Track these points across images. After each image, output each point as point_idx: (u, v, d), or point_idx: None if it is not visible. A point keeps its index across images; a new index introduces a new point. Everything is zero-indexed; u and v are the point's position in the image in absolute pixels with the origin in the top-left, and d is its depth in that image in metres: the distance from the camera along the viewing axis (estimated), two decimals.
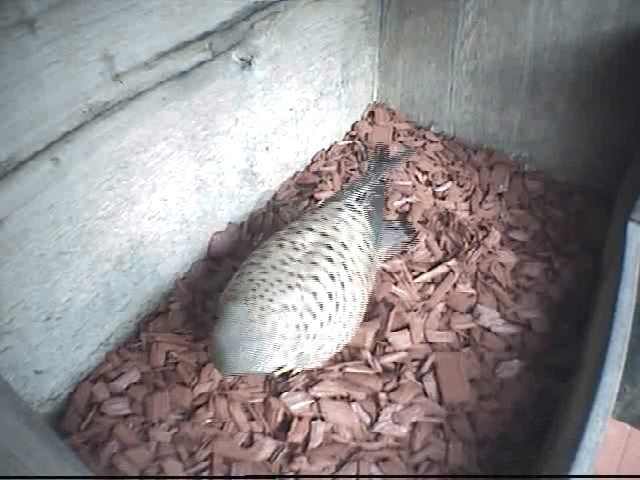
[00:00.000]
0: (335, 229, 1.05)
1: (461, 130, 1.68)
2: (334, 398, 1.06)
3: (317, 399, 1.05)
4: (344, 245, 1.03)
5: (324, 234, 1.03)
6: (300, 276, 0.95)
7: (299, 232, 1.03)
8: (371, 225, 1.11)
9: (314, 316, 0.94)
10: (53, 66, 0.87)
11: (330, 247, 1.01)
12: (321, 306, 0.95)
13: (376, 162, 1.23)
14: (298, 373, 1.10)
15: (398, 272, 1.29)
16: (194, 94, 1.15)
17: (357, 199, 1.13)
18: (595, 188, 1.48)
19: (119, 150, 1.03)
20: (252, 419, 1.04)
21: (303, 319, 0.92)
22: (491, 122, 1.62)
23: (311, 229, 1.04)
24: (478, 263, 1.31)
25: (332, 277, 0.97)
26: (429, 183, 1.56)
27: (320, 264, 0.98)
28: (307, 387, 1.07)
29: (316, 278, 0.96)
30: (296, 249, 0.99)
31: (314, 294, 0.94)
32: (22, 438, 0.64)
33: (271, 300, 0.90)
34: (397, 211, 1.47)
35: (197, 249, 1.32)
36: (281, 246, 1.00)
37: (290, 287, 0.93)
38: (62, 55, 0.88)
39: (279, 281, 0.93)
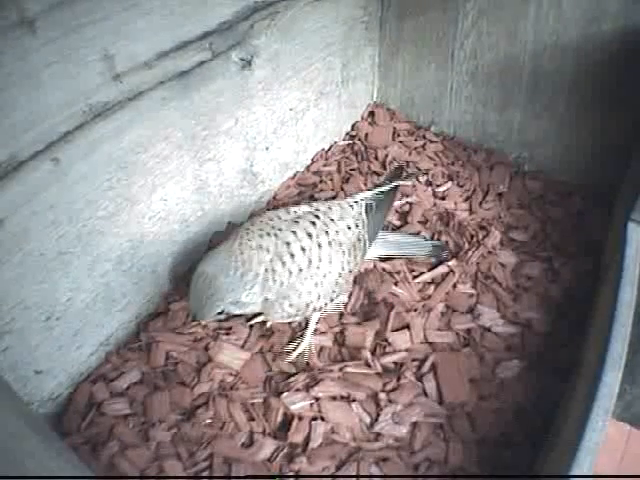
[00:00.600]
0: (329, 208, 1.15)
1: (461, 130, 1.68)
2: (334, 398, 1.06)
3: (317, 399, 1.05)
4: (332, 219, 1.12)
5: (317, 209, 1.14)
6: (280, 229, 1.07)
7: (298, 205, 1.14)
8: (367, 215, 1.18)
9: (283, 264, 1.04)
10: (53, 66, 0.87)
11: (317, 217, 1.11)
12: (292, 256, 1.04)
13: (388, 178, 1.28)
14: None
15: (398, 272, 1.29)
16: (194, 94, 1.15)
17: (360, 197, 1.21)
18: (595, 188, 1.48)
19: (119, 150, 1.03)
20: (252, 419, 1.04)
21: (272, 263, 1.03)
22: (491, 122, 1.62)
23: (309, 204, 1.16)
24: (478, 263, 1.31)
25: (310, 235, 1.07)
26: (429, 183, 1.56)
27: (302, 224, 1.08)
28: (307, 387, 1.07)
29: (294, 232, 1.06)
30: (287, 213, 1.11)
31: (287, 244, 1.05)
32: (22, 438, 0.64)
33: (249, 240, 1.04)
34: (397, 211, 1.47)
35: (197, 249, 1.32)
36: (277, 209, 1.13)
37: (268, 234, 1.05)
38: (62, 55, 0.88)
39: (260, 230, 1.06)
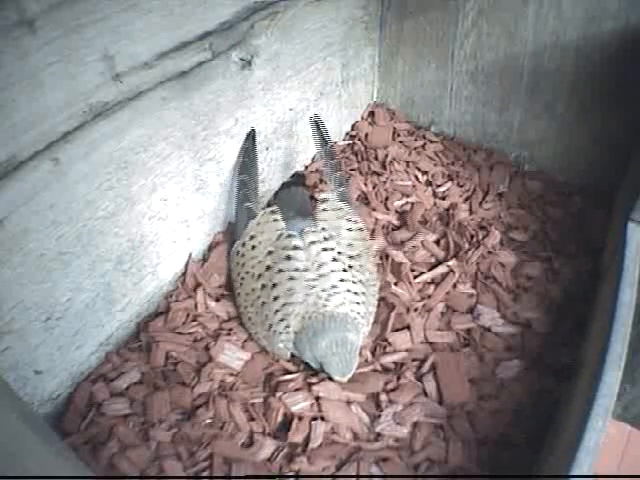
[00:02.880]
0: (323, 229, 1.15)
1: (461, 130, 1.68)
2: (334, 398, 1.06)
3: (317, 399, 1.05)
4: (330, 236, 1.14)
5: (313, 242, 1.12)
6: (332, 286, 1.07)
7: (289, 257, 1.10)
8: (349, 203, 1.23)
9: (356, 294, 1.08)
10: (53, 66, 0.87)
11: (325, 249, 1.11)
12: (354, 283, 1.09)
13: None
14: None
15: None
16: (194, 94, 1.15)
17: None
18: (595, 188, 1.48)
19: (119, 150, 1.03)
20: (252, 419, 1.04)
21: (358, 305, 1.07)
22: (491, 122, 1.62)
23: (298, 248, 1.11)
24: (478, 263, 1.31)
25: (345, 270, 1.09)
26: (429, 183, 1.56)
27: (331, 267, 1.09)
28: (307, 387, 1.06)
29: (341, 280, 1.08)
30: (306, 270, 1.08)
31: (348, 291, 1.07)
32: (22, 438, 0.63)
33: (325, 305, 1.05)
34: (397, 211, 1.47)
35: (197, 249, 1.32)
36: (291, 279, 1.08)
37: (330, 295, 1.06)
38: (62, 55, 0.88)
39: (319, 297, 1.06)
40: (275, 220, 1.17)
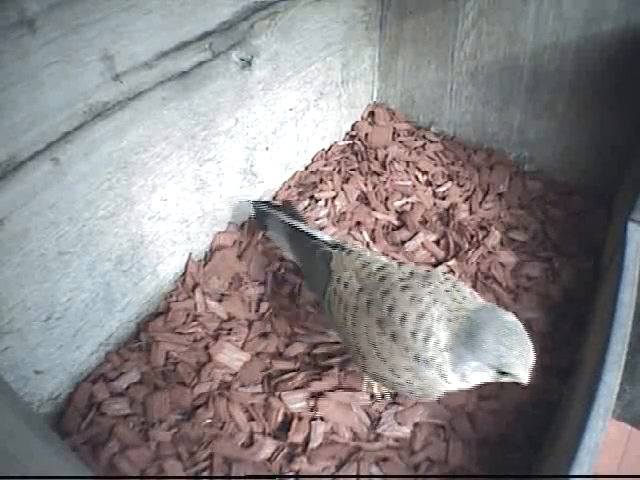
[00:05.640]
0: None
1: (461, 130, 1.68)
2: (334, 398, 1.06)
3: (317, 399, 1.05)
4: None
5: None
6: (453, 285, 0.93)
7: (383, 277, 0.98)
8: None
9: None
10: (53, 66, 0.87)
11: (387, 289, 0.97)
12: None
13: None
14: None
15: None
16: (194, 94, 1.15)
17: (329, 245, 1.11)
18: (595, 188, 1.48)
19: (119, 150, 1.03)
20: (252, 419, 1.04)
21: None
22: (491, 122, 1.62)
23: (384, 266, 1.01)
24: (478, 263, 1.31)
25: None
26: (429, 183, 1.56)
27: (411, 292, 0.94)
28: (307, 387, 1.06)
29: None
30: (402, 279, 0.96)
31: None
32: (22, 439, 0.64)
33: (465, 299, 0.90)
34: (397, 211, 1.47)
35: (197, 249, 1.32)
36: (404, 288, 0.93)
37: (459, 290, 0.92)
38: (62, 55, 0.88)
39: (448, 292, 0.91)
40: (348, 254, 1.06)
